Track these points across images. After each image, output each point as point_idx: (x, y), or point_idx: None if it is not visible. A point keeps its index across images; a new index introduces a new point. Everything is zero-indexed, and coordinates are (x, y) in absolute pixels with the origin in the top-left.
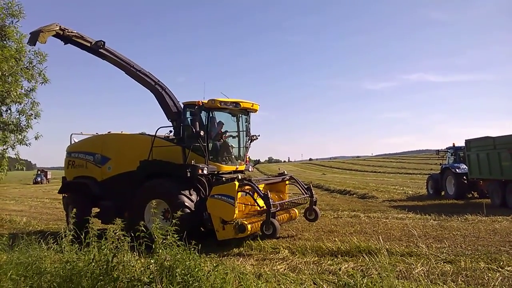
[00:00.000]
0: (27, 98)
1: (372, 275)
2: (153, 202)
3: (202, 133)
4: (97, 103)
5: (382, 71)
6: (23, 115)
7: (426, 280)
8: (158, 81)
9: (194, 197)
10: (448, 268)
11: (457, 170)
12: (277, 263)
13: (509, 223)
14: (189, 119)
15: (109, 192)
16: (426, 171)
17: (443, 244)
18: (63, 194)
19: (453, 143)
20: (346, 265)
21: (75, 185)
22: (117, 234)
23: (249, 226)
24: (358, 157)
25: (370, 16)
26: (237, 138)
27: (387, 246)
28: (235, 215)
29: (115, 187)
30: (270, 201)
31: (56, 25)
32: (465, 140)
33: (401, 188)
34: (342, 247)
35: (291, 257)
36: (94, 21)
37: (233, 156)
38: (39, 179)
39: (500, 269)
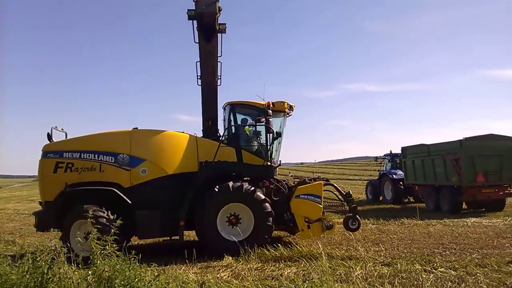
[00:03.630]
0: None
1: (313, 279)
2: (228, 208)
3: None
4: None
5: (324, 80)
6: None
7: (363, 283)
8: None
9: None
10: (386, 271)
11: (394, 176)
12: (221, 270)
13: (442, 227)
14: (245, 119)
15: (146, 200)
16: (365, 177)
17: (381, 247)
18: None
19: (390, 150)
20: (289, 270)
21: (91, 194)
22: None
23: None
24: (302, 163)
25: (311, 26)
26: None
27: (328, 251)
28: (321, 213)
29: (155, 193)
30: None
31: None
32: (402, 147)
33: None
34: (285, 253)
35: (235, 264)
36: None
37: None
38: None
39: (434, 270)
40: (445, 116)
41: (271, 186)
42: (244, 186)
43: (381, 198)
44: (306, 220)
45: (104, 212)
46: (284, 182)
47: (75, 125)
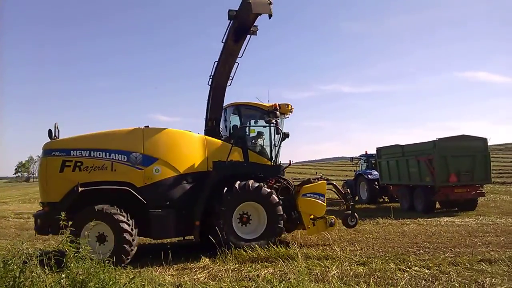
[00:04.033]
0: None
1: (290, 280)
2: (243, 206)
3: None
4: None
5: (300, 81)
6: None
7: (339, 283)
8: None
9: None
10: (361, 270)
11: (369, 176)
12: (198, 272)
13: (416, 226)
14: (251, 121)
15: (160, 199)
16: (342, 177)
17: (357, 247)
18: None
19: (366, 151)
20: (266, 271)
21: (102, 194)
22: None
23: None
24: None
25: (290, 27)
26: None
27: (304, 251)
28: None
29: (168, 193)
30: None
31: None
32: (377, 148)
33: None
34: (262, 253)
35: (211, 265)
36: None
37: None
38: None
39: (408, 269)
40: (419, 116)
41: (277, 184)
42: (263, 187)
43: (356, 198)
44: (312, 217)
45: (122, 213)
46: (291, 181)
47: (47, 126)
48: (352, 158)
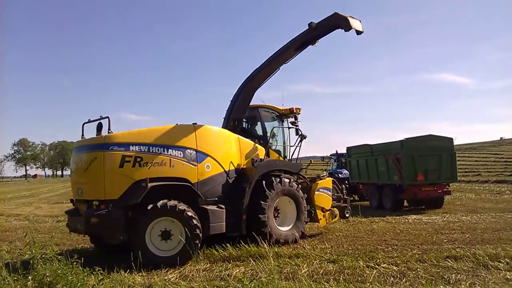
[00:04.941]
0: None
1: (261, 278)
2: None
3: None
4: None
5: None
6: None
7: (309, 281)
8: None
9: None
10: (331, 268)
11: (339, 175)
12: (169, 272)
13: (385, 224)
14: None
15: (210, 195)
16: (313, 176)
17: (327, 245)
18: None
19: (336, 150)
20: (237, 270)
21: (164, 190)
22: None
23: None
24: None
25: (268, 31)
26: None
27: (275, 250)
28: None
29: (216, 189)
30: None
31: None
32: (347, 147)
33: None
34: (233, 253)
35: (183, 265)
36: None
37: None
38: None
39: (377, 266)
40: (388, 117)
41: (299, 180)
42: (292, 182)
43: None
44: (322, 210)
45: (190, 209)
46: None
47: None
48: (323, 157)
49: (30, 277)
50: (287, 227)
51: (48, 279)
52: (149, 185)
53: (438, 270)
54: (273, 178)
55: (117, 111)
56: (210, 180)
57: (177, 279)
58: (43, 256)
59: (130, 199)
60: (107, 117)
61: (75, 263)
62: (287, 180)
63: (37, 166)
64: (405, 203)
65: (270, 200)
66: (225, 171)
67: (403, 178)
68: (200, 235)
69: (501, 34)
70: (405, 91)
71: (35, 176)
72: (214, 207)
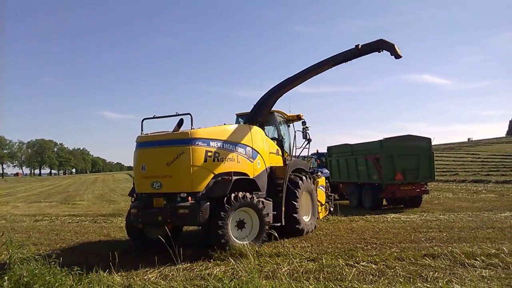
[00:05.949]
0: None
1: (242, 277)
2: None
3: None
4: None
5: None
6: None
7: (289, 279)
8: None
9: None
10: (311, 266)
11: (320, 174)
12: (148, 271)
13: (364, 222)
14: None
15: (260, 190)
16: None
17: (307, 243)
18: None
19: (317, 150)
20: (218, 269)
21: (238, 183)
22: None
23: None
24: None
25: (250, 30)
26: None
27: (256, 249)
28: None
29: (263, 184)
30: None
31: None
32: (327, 146)
33: None
34: (214, 252)
35: (163, 265)
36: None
37: None
38: None
39: (356, 265)
40: (368, 117)
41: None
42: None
43: None
44: (321, 204)
45: (261, 200)
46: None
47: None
48: (304, 157)
49: (6, 278)
50: (307, 218)
51: (25, 280)
52: (235, 178)
53: (416, 268)
54: (298, 177)
55: (95, 108)
56: (260, 175)
57: (156, 279)
58: (20, 256)
59: (217, 191)
60: (189, 113)
61: (53, 263)
62: (308, 179)
63: (14, 164)
64: (384, 202)
65: (299, 199)
66: (266, 168)
67: (382, 177)
68: (270, 222)
69: (480, 36)
70: (387, 92)
71: (16, 174)
72: (266, 200)
